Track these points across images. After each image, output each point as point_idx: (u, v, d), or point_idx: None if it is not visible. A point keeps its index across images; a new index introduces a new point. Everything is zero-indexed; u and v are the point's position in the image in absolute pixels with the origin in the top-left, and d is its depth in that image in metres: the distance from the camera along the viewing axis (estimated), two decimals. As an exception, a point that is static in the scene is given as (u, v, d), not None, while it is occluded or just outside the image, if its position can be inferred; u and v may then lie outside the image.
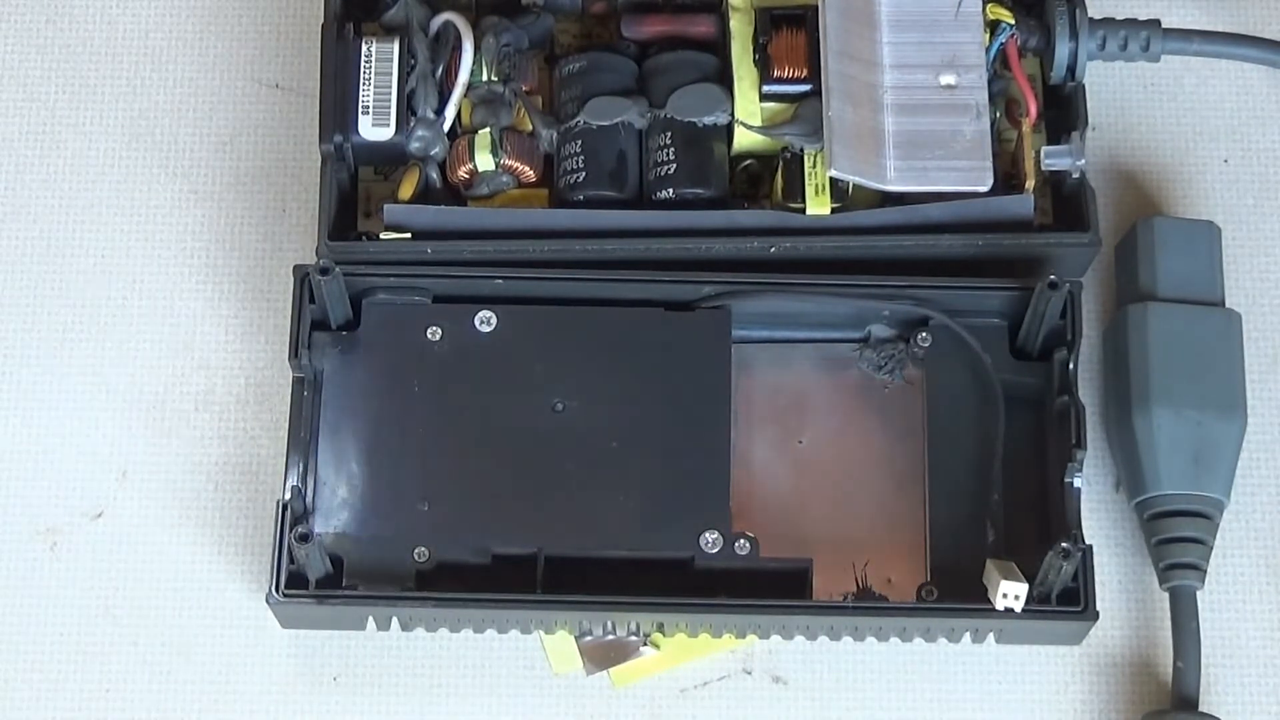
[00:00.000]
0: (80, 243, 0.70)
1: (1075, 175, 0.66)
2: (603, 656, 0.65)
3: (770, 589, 0.62)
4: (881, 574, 0.64)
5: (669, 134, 0.66)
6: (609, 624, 0.63)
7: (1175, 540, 0.64)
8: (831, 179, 0.65)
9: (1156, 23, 0.69)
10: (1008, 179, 0.66)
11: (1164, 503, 0.64)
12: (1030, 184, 0.66)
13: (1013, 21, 0.67)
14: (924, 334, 0.66)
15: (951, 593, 0.62)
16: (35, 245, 0.70)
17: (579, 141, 0.66)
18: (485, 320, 0.65)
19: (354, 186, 0.68)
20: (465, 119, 0.67)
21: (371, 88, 0.66)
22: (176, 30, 0.73)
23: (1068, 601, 0.62)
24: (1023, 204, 0.65)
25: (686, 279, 0.65)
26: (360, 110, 0.66)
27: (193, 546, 0.66)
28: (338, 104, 0.66)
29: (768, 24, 0.67)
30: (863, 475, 0.65)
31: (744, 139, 0.66)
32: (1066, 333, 0.64)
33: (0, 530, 0.66)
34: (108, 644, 0.65)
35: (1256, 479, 0.67)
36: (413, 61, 0.67)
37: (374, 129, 0.66)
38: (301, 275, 0.64)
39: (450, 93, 0.66)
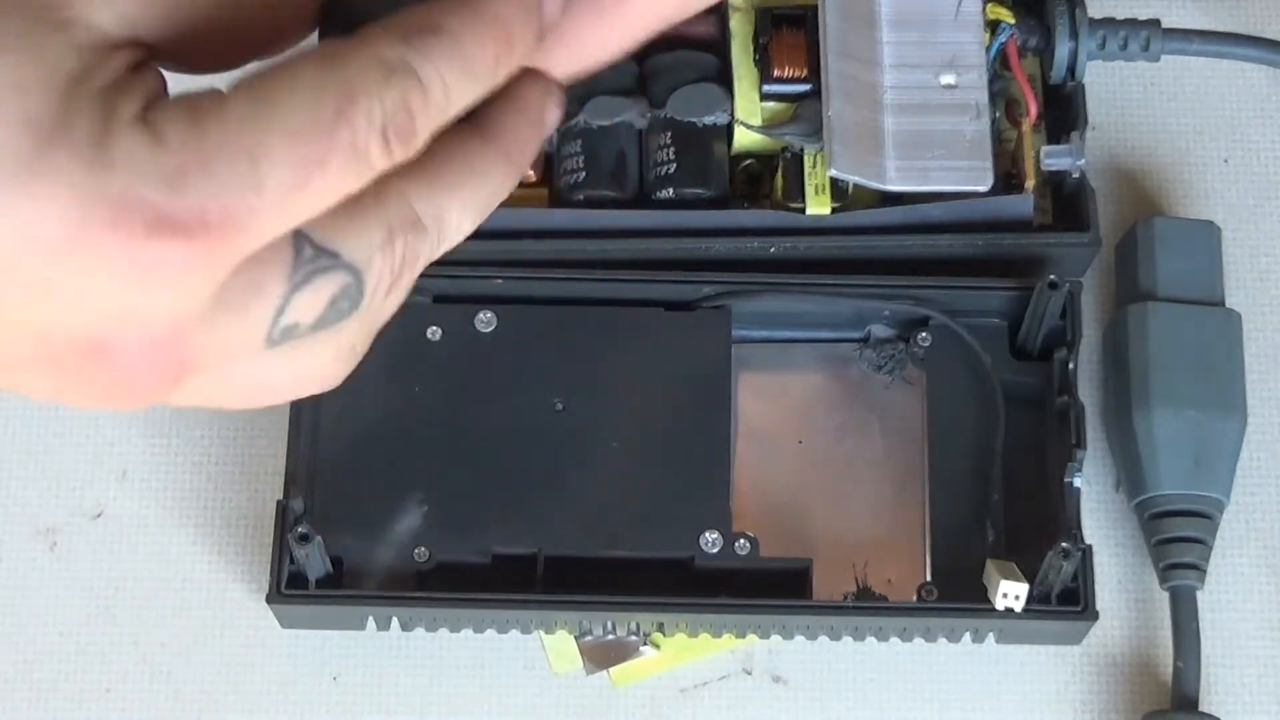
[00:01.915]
0: (80, 243, 0.70)
1: (1075, 175, 0.66)
2: (603, 656, 0.65)
3: (770, 589, 0.62)
4: (881, 574, 0.64)
5: (669, 134, 0.66)
6: (609, 624, 0.63)
7: (1175, 540, 0.64)
8: (831, 179, 0.65)
9: (1156, 23, 0.69)
10: (1008, 179, 0.66)
11: (1164, 503, 0.64)
12: (1030, 184, 0.66)
13: (1013, 21, 0.67)
14: (924, 334, 0.66)
15: (951, 593, 0.62)
16: (35, 245, 0.70)
17: (579, 141, 0.66)
18: (485, 320, 0.65)
19: (354, 186, 0.68)
20: (465, 119, 0.67)
21: (371, 88, 0.66)
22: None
23: (1068, 601, 0.62)
24: (1023, 204, 0.65)
25: (686, 279, 0.65)
26: None
27: (193, 546, 0.66)
28: (338, 104, 0.66)
29: (768, 24, 0.67)
30: (863, 475, 0.65)
31: (744, 139, 0.66)
32: (1066, 333, 0.64)
33: (0, 530, 0.66)
34: (108, 644, 0.65)
35: (1256, 479, 0.67)
36: (413, 61, 0.66)
37: (374, 129, 0.66)
38: (301, 275, 0.64)
39: (450, 93, 0.66)
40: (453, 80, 0.37)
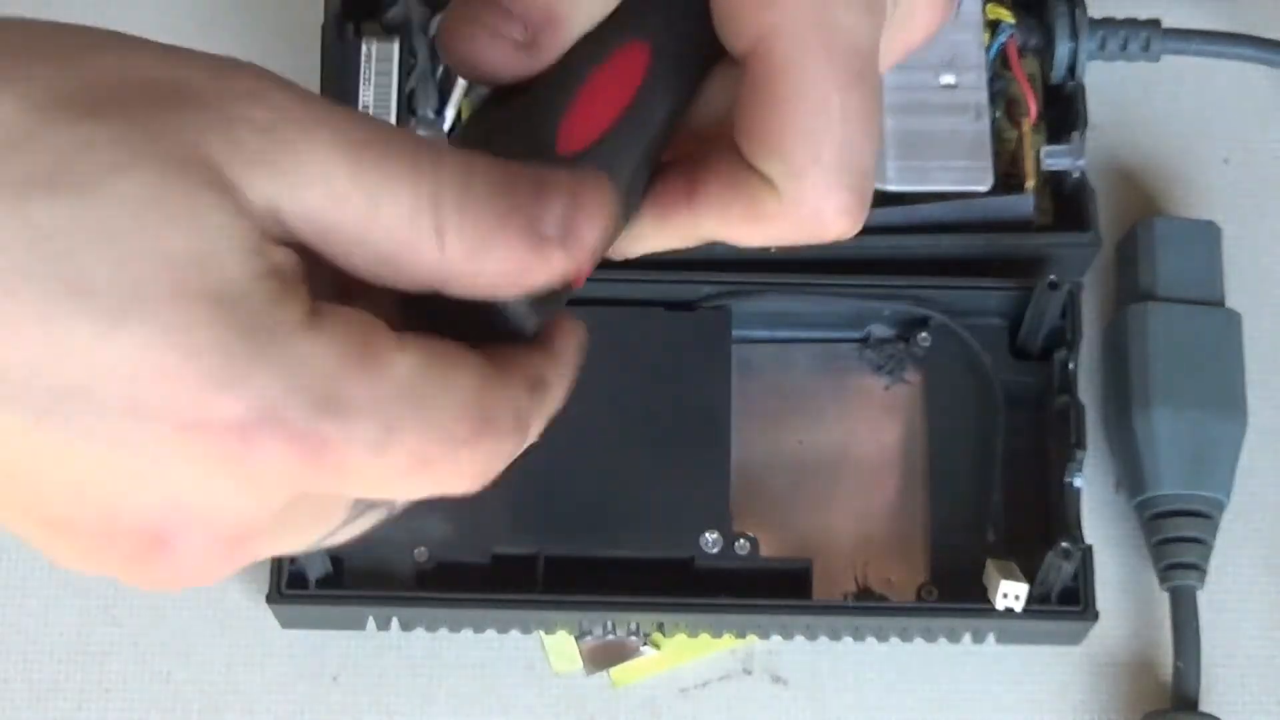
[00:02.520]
0: (80, 243, 0.70)
1: (1075, 175, 0.66)
2: (603, 656, 0.65)
3: (770, 589, 0.62)
4: (881, 574, 0.64)
5: (669, 134, 0.66)
6: (609, 624, 0.63)
7: (1175, 540, 0.64)
8: (831, 179, 0.65)
9: (1156, 23, 0.69)
10: (1008, 179, 0.66)
11: (1164, 503, 0.64)
12: (1030, 184, 0.66)
13: (1013, 21, 0.67)
14: (924, 334, 0.66)
15: (951, 593, 0.62)
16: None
17: (579, 141, 0.66)
18: (485, 320, 0.65)
19: (354, 186, 0.68)
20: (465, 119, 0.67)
21: (371, 88, 0.66)
22: (177, 30, 0.73)
23: (1068, 601, 0.62)
24: (1023, 204, 0.65)
25: (686, 279, 0.65)
26: (360, 110, 0.66)
27: (193, 546, 0.66)
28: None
29: (768, 24, 0.67)
30: (863, 475, 0.65)
31: (744, 139, 0.66)
32: (1066, 333, 0.64)
33: (0, 530, 0.66)
34: (108, 644, 0.65)
35: (1256, 479, 0.67)
36: (413, 61, 0.67)
37: (374, 129, 0.66)
38: (301, 275, 0.64)
39: (450, 93, 0.66)
40: (537, 428, 0.38)
